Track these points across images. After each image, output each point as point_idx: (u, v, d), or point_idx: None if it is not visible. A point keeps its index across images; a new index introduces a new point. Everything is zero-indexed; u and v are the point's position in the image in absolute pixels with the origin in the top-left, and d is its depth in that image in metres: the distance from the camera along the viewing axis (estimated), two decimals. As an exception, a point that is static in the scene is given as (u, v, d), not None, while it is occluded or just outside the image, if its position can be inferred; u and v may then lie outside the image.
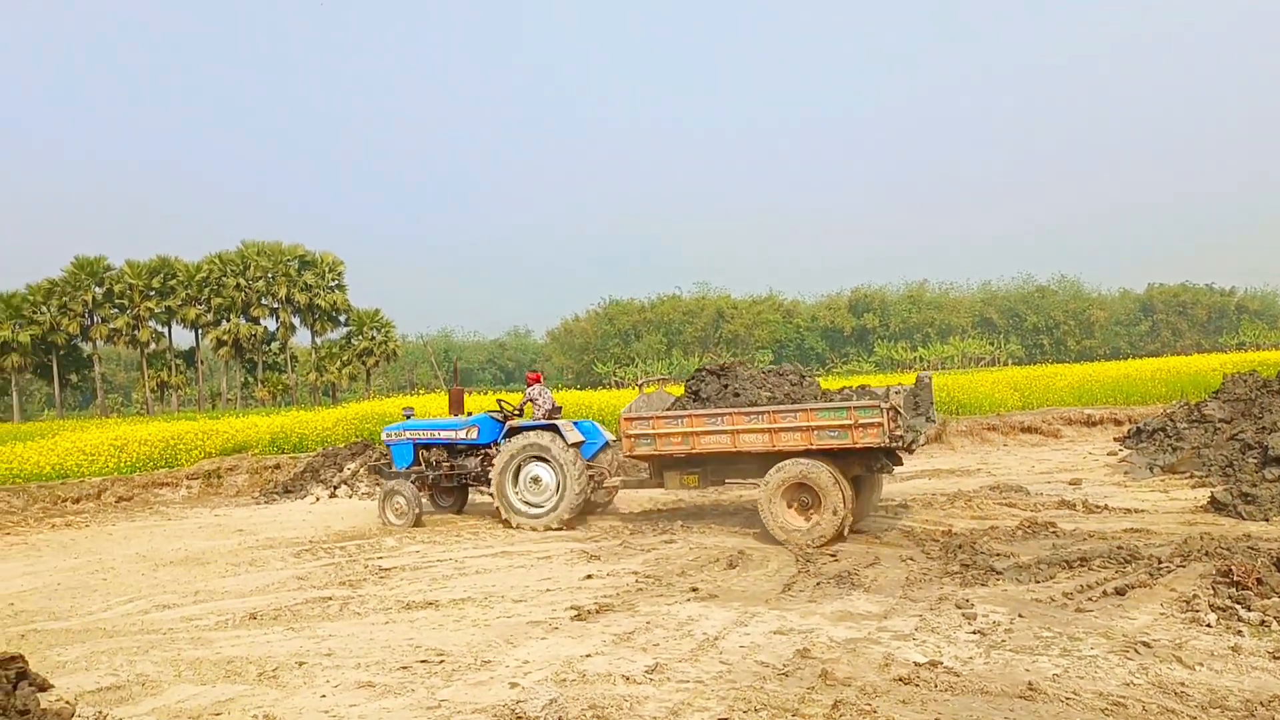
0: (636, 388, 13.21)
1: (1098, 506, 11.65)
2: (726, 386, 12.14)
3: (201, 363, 66.41)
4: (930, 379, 12.41)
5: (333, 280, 64.23)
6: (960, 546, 9.15)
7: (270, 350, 65.63)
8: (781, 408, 10.93)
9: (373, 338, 63.75)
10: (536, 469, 12.53)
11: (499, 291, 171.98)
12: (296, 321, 64.45)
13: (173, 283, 61.16)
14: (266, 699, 5.56)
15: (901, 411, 11.03)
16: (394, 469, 14.00)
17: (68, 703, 5.42)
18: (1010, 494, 13.02)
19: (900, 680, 5.36)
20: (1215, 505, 10.93)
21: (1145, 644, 5.88)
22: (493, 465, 12.92)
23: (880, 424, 10.27)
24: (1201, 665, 5.49)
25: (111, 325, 60.49)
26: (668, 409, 12.30)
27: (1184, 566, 7.87)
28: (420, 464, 13.95)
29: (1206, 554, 8.18)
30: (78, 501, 16.48)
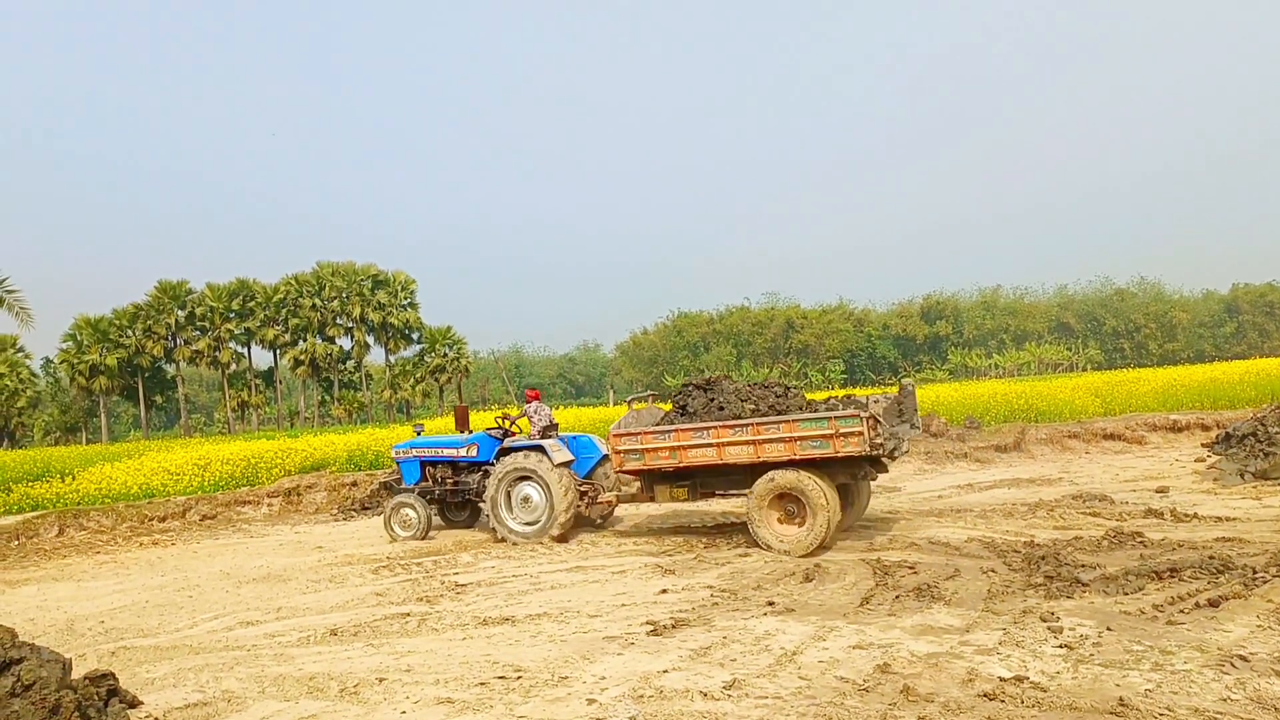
0: (626, 404, 13.47)
1: (1187, 515, 11.29)
2: (713, 400, 12.30)
3: (280, 382, 67.91)
4: (913, 387, 12.60)
5: (405, 299, 65.24)
6: (1043, 558, 8.93)
7: (346, 369, 66.84)
8: (765, 420, 11.14)
9: (445, 355, 64.57)
10: (526, 489, 12.90)
11: (569, 306, 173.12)
12: (371, 340, 65.60)
13: (251, 304, 62.73)
14: (348, 715, 5.62)
15: (882, 420, 11.17)
16: (403, 485, 14.50)
17: (157, 719, 5.55)
18: (1094, 503, 12.68)
19: (985, 696, 5.24)
20: (1312, 512, 10.53)
21: (1242, 657, 5.67)
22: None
23: (861, 433, 10.50)
24: (1303, 680, 5.27)
25: (194, 347, 62.20)
26: (656, 424, 12.40)
27: (1281, 577, 7.59)
28: (427, 480, 14.38)
29: (1304, 563, 7.88)
30: (164, 520, 16.89)
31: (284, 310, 63.07)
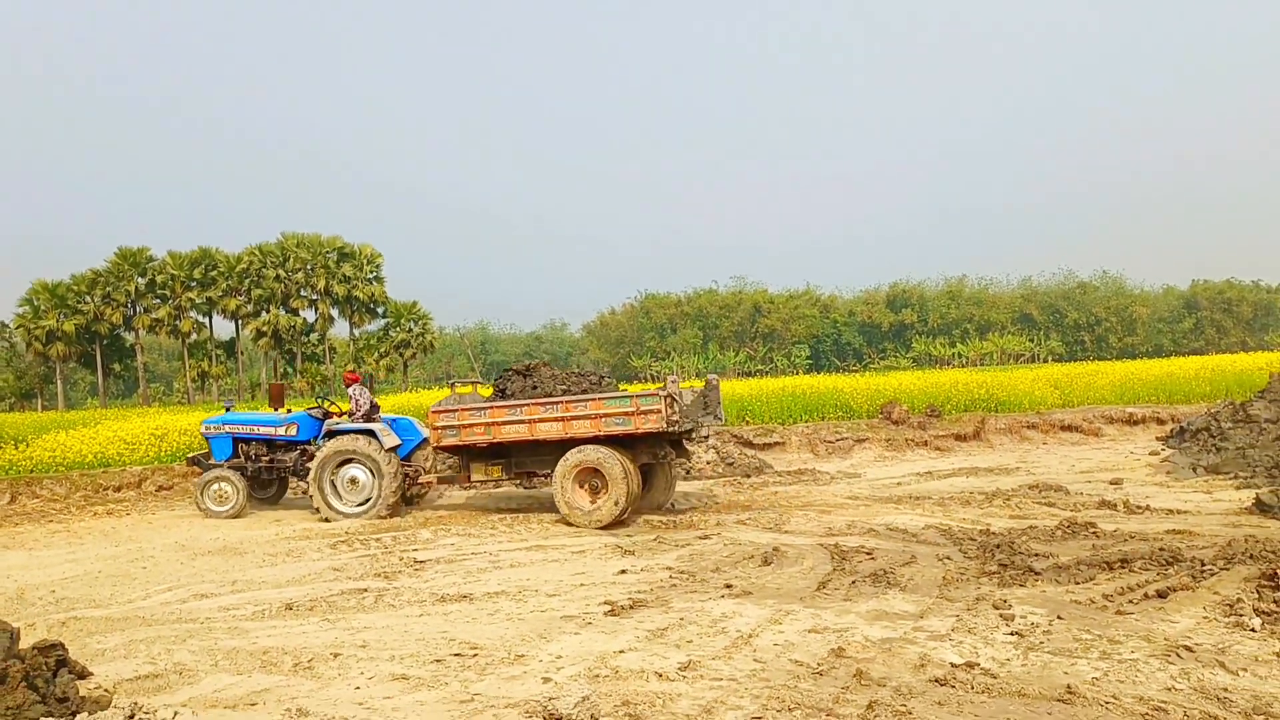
0: (448, 386, 14.21)
1: (1139, 507, 11.48)
2: (531, 385, 13.09)
3: (242, 353, 67.11)
4: (718, 381, 13.60)
5: (371, 272, 64.57)
6: (998, 546, 9.05)
7: (309, 341, 66.17)
8: (574, 398, 12.14)
9: (410, 330, 64.06)
10: (353, 470, 13.31)
11: (537, 284, 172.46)
12: (335, 313, 64.93)
13: (213, 274, 61.81)
14: (301, 690, 5.59)
15: (678, 399, 12.25)
16: (212, 460, 14.50)
17: (106, 691, 5.49)
18: (1050, 493, 12.86)
19: (936, 681, 5.30)
20: (1260, 507, 10.74)
21: (1187, 648, 5.78)
22: (309, 460, 13.72)
23: (659, 410, 11.63)
24: (1245, 670, 5.38)
25: (154, 315, 61.23)
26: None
27: (1228, 569, 7.73)
28: (239, 456, 14.44)
29: (1251, 557, 8.04)
30: (119, 490, 16.71)
31: (247, 280, 62.21)
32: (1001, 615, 6.68)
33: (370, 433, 13.48)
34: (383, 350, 63.52)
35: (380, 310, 65.28)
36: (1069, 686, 5.13)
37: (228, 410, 15.17)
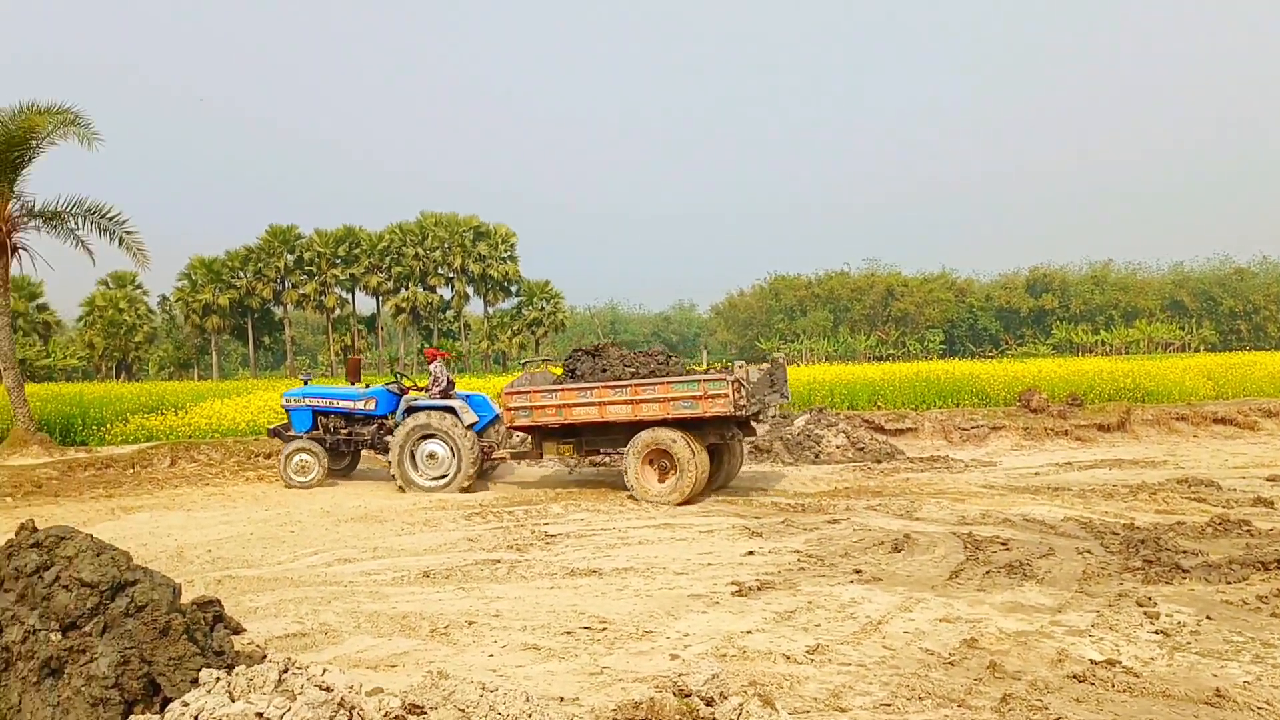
0: (520, 366, 14.49)
1: (1299, 506, 10.85)
2: (600, 366, 13.34)
3: (381, 328, 69.45)
4: (784, 361, 14.11)
5: (505, 251, 65.95)
6: (1143, 541, 8.69)
7: (445, 318, 68.03)
8: (642, 381, 12.42)
9: (542, 308, 65.26)
10: (432, 445, 13.70)
11: (666, 264, 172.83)
12: (470, 291, 66.56)
13: (357, 251, 64.15)
14: (438, 654, 5.79)
15: (745, 384, 12.41)
16: (292, 432, 14.92)
17: (258, 646, 5.78)
18: (1200, 488, 12.27)
19: (1074, 677, 5.15)
20: None
21: (1351, 657, 5.46)
22: (389, 434, 14.19)
23: (726, 395, 11.79)
24: None
25: (301, 291, 63.98)
26: (550, 386, 13.36)
27: (1398, 575, 7.26)
28: (318, 429, 14.84)
29: None
30: (269, 457, 17.49)
31: (388, 258, 64.37)
32: (1146, 613, 6.42)
33: (450, 409, 13.84)
34: (515, 328, 64.84)
35: (514, 288, 66.65)
36: (1218, 690, 4.91)
37: (305, 384, 15.75)
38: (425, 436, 13.75)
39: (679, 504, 11.78)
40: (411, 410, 14.11)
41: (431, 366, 14.71)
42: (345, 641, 6.13)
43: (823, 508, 11.38)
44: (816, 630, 6.15)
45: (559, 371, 14.32)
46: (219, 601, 5.62)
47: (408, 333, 68.99)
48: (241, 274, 63.45)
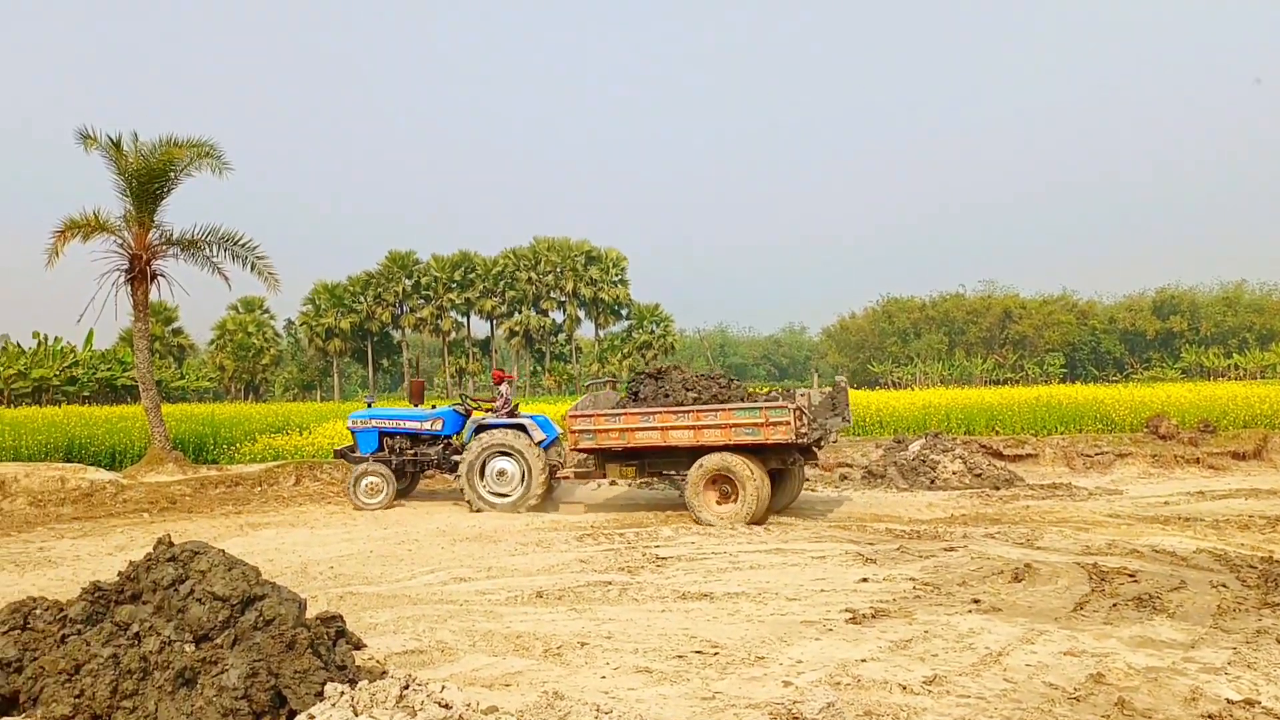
0: (585, 388, 14.50)
1: None
2: (661, 388, 13.51)
3: (495, 351, 70.72)
4: (845, 383, 14.21)
5: (616, 275, 66.58)
6: (1283, 576, 8.25)
7: (557, 341, 68.93)
8: (704, 407, 12.61)
9: (652, 331, 65.58)
10: (501, 463, 13.99)
11: (775, 287, 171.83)
12: (582, 314, 67.36)
13: (472, 276, 65.66)
14: (551, 675, 5.84)
15: (807, 412, 12.53)
16: (358, 454, 15.13)
17: (378, 662, 5.93)
18: (1346, 521, 11.60)
19: (1208, 717, 4.91)
20: None
21: None
22: (456, 454, 14.62)
23: (789, 423, 11.99)
24: None
25: (418, 315, 65.80)
26: (612, 408, 13.58)
27: None
28: (384, 450, 15.06)
29: None
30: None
31: (501, 282, 65.69)
32: (1287, 651, 6.10)
33: (521, 426, 14.16)
34: (626, 351, 65.28)
35: (624, 312, 67.14)
36: (1369, 735, 4.63)
37: (369, 406, 16.08)
38: (494, 455, 14.03)
39: (741, 524, 11.95)
40: (481, 429, 14.36)
41: (500, 387, 15.06)
42: (461, 659, 6.24)
43: (939, 535, 11.13)
44: (934, 660, 6.01)
45: (623, 392, 14.55)
46: (341, 617, 5.79)
47: (520, 355, 70.09)
48: (362, 299, 65.61)
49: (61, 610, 5.46)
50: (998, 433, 22.28)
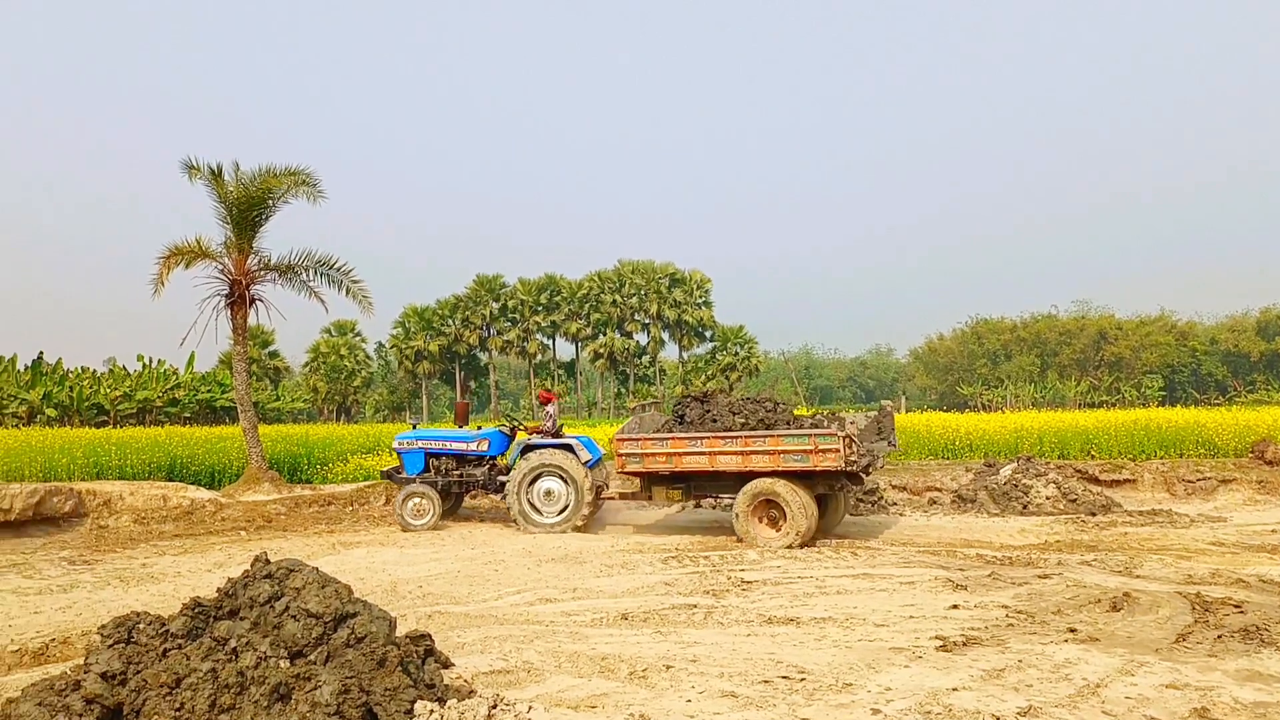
0: (629, 410, 14.35)
1: None
2: (708, 412, 13.55)
3: (580, 373, 71.23)
4: (892, 408, 14.52)
5: (700, 297, 66.57)
6: (1403, 609, 7.86)
7: (641, 363, 69.09)
8: (753, 433, 12.66)
9: (736, 353, 65.33)
10: (549, 483, 14.15)
11: (861, 308, 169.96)
12: (665, 336, 67.46)
13: (557, 299, 66.33)
14: (636, 698, 5.84)
15: (856, 439, 12.42)
16: (405, 475, 15.24)
17: (465, 681, 6.00)
18: None
19: (1324, 757, 4.70)
20: None
21: None
22: (502, 475, 14.81)
23: (837, 450, 12.01)
24: None
25: (505, 337, 66.66)
26: (657, 430, 13.71)
27: None
28: (430, 471, 15.15)
29: None
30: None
31: (586, 305, 66.18)
32: None
33: (568, 446, 14.26)
34: (710, 373, 65.10)
35: (708, 334, 67.06)
36: None
37: (414, 427, 16.27)
38: (541, 475, 14.19)
39: (788, 548, 12.01)
40: (528, 449, 14.53)
41: (548, 408, 15.30)
42: (547, 680, 6.28)
43: (1032, 561, 10.85)
44: (1028, 691, 5.86)
45: (668, 414, 14.67)
46: (430, 636, 5.87)
47: (605, 377, 70.46)
48: (450, 321, 66.78)
49: (163, 625, 5.64)
50: (1093, 457, 21.65)
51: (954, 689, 5.89)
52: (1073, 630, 7.48)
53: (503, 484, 14.65)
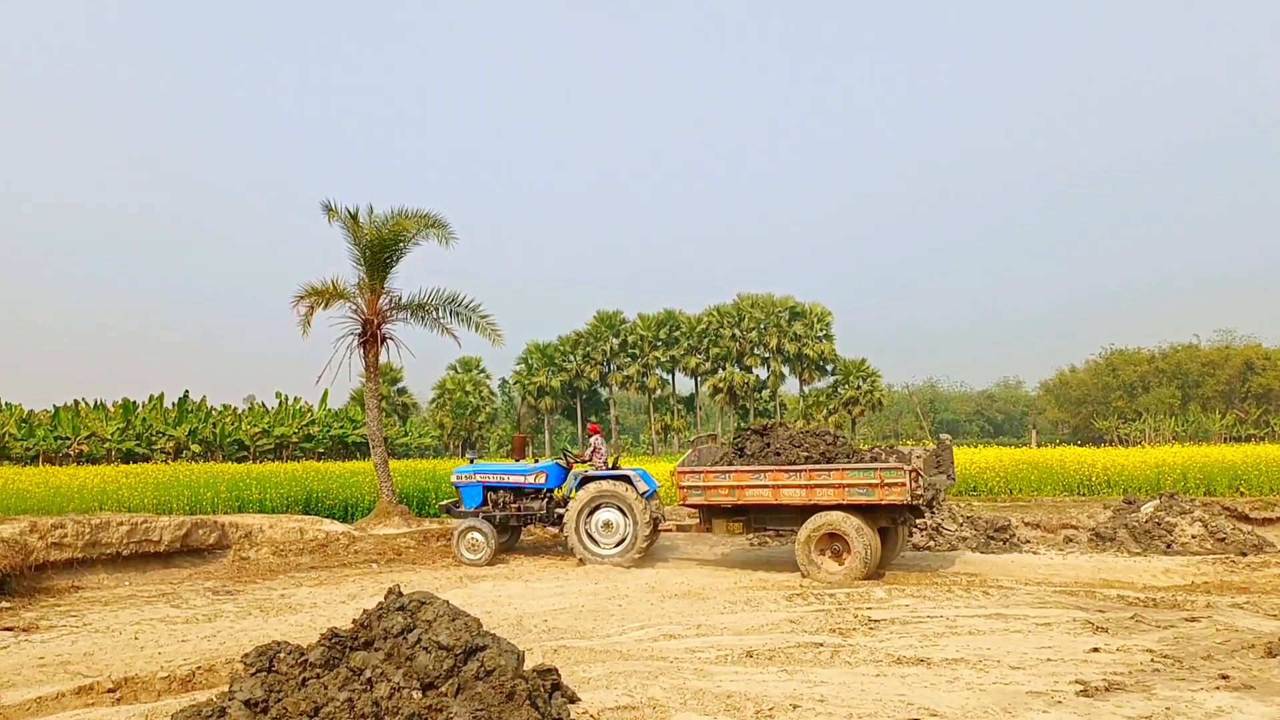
0: (689, 443, 14.53)
1: None
2: (768, 445, 13.52)
3: (700, 408, 71.23)
4: (950, 441, 14.51)
5: (820, 330, 66.01)
6: None
7: (761, 397, 68.72)
8: (817, 467, 12.61)
9: (858, 387, 64.43)
10: (607, 514, 14.25)
11: (988, 341, 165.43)
12: (786, 370, 66.98)
13: (676, 333, 66.64)
14: (764, 737, 5.77)
15: (923, 473, 12.29)
16: (463, 508, 15.34)
17: (592, 717, 6.02)
18: None
19: None
20: None
21: None
22: (559, 507, 14.96)
23: (904, 484, 11.99)
24: None
25: (624, 373, 67.27)
26: (716, 461, 13.83)
27: None
28: (488, 505, 15.24)
29: None
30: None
31: (705, 339, 66.32)
32: None
33: (626, 478, 14.34)
34: (831, 407, 64.41)
35: (829, 367, 66.36)
36: None
37: (471, 461, 16.41)
38: (599, 507, 14.29)
39: (852, 584, 11.96)
40: (586, 481, 14.63)
41: (594, 440, 15.47)
42: (672, 718, 6.25)
43: (1178, 603, 10.33)
44: (1177, 740, 5.57)
45: (728, 446, 14.66)
46: (557, 670, 5.92)
47: (724, 412, 70.25)
48: (571, 357, 67.76)
49: (303, 655, 5.83)
50: (1242, 494, 20.62)
51: (1097, 736, 5.64)
52: (1225, 677, 7.08)
53: (559, 516, 14.85)
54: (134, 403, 51.89)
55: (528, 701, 5.11)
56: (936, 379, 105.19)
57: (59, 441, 47.01)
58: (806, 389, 67.59)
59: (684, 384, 71.09)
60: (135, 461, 43.67)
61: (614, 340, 67.58)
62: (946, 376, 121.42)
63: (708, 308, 67.17)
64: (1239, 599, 10.51)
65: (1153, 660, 7.68)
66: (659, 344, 66.74)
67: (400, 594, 5.89)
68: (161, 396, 53.59)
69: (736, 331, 65.66)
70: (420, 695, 5.09)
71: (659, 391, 68.49)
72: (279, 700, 5.51)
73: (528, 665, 5.88)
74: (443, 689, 5.16)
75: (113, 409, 51.98)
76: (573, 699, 6.25)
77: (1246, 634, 8.60)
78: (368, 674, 5.27)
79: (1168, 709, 6.23)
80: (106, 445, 47.45)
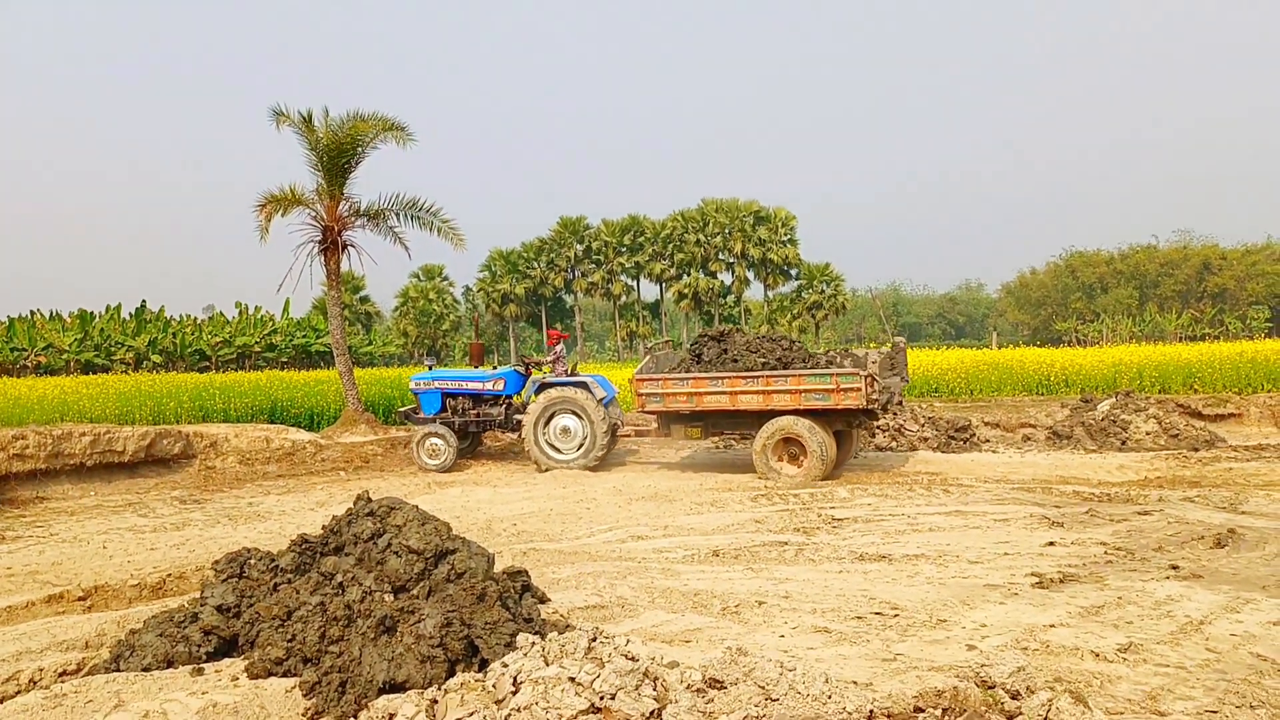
0: (646, 351, 14.65)
1: None
2: (725, 351, 13.67)
3: (665, 314, 71.24)
4: (904, 344, 14.65)
5: (785, 235, 65.75)
6: None
7: (726, 303, 68.78)
8: (774, 373, 12.83)
9: (822, 291, 64.57)
10: (565, 420, 14.45)
11: (951, 243, 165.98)
12: (750, 275, 66.93)
13: (641, 239, 66.18)
14: (730, 632, 5.91)
15: (878, 377, 12.57)
16: (422, 415, 15.45)
17: (561, 616, 6.13)
18: None
19: None
20: None
21: None
22: (518, 414, 15.04)
23: (859, 388, 12.26)
24: None
25: (589, 279, 66.92)
26: (673, 368, 13.89)
27: None
28: (446, 411, 15.33)
29: None
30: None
31: (670, 245, 65.94)
32: None
33: (584, 384, 14.52)
34: (795, 311, 64.57)
35: (793, 272, 66.35)
36: None
37: (430, 368, 16.37)
38: (556, 413, 14.43)
39: (808, 486, 12.08)
40: (544, 387, 14.71)
41: (557, 347, 15.52)
42: (641, 615, 6.38)
43: (1131, 498, 10.62)
44: (1128, 628, 5.77)
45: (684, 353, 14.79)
46: (526, 572, 6.01)
47: (689, 318, 70.36)
48: (535, 264, 67.25)
49: (273, 560, 5.87)
50: (1196, 391, 21.06)
51: (1051, 625, 5.84)
52: (1175, 567, 7.32)
53: (519, 423, 14.90)
54: (91, 313, 50.99)
55: (498, 603, 5.18)
56: (900, 282, 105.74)
57: (15, 353, 46.28)
58: (771, 294, 67.66)
59: (649, 290, 70.95)
60: (95, 372, 43.12)
61: (578, 247, 67.06)
62: (909, 280, 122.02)
63: (672, 213, 66.66)
64: (1190, 493, 10.81)
65: (1106, 553, 7.92)
66: (624, 250, 66.32)
67: (370, 500, 5.92)
68: (118, 308, 52.72)
69: (701, 237, 65.30)
70: (392, 598, 5.15)
71: (624, 298, 68.31)
72: (251, 605, 5.57)
73: (498, 568, 5.95)
74: (414, 592, 5.22)
75: (69, 319, 51.12)
76: (543, 599, 6.35)
77: (1196, 526, 8.86)
78: (339, 578, 5.32)
79: (1119, 598, 6.43)
80: (65, 356, 46.76)
